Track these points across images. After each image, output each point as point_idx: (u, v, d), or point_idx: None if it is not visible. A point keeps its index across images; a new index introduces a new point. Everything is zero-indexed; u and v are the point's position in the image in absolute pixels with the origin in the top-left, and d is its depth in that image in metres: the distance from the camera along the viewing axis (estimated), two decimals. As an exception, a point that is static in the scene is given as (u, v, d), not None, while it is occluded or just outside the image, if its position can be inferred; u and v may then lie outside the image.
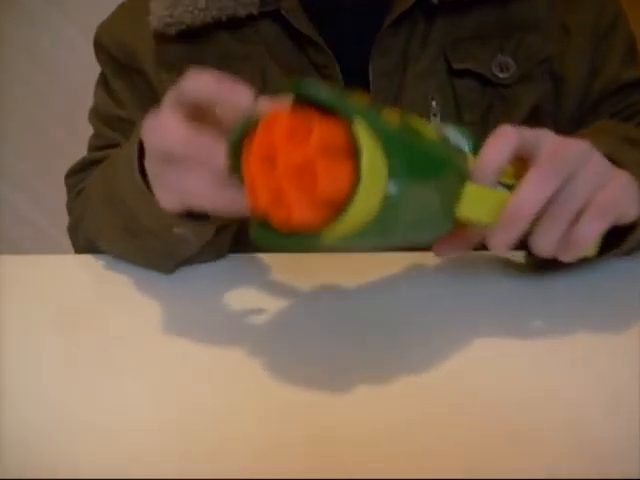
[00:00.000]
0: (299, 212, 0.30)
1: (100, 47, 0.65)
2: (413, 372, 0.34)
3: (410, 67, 0.58)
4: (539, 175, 0.36)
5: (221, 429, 0.30)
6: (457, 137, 0.40)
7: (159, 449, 0.28)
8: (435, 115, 0.58)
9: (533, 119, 0.58)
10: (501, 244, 0.36)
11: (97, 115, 0.67)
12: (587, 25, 0.60)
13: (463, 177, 0.36)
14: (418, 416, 0.31)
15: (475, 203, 0.36)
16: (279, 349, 0.36)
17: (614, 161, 0.40)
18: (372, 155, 0.30)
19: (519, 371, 0.34)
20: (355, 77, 0.58)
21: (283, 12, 0.57)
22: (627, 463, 0.27)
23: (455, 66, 0.58)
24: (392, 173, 0.30)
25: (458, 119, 0.58)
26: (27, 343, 0.38)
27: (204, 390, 0.33)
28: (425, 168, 0.33)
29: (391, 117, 0.33)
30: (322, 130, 0.30)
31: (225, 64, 0.59)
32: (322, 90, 0.32)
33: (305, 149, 0.29)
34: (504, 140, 0.37)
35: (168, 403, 0.32)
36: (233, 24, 0.58)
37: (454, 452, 0.28)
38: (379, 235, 0.33)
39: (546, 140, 0.37)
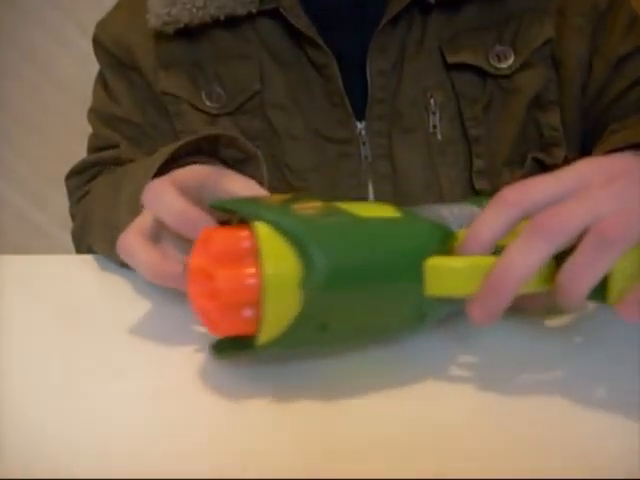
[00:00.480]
0: (214, 320, 0.31)
1: (98, 45, 0.65)
2: (415, 375, 0.34)
3: (407, 65, 0.58)
4: (536, 228, 0.29)
5: (221, 429, 0.30)
6: (471, 213, 0.38)
7: (160, 449, 0.28)
8: (434, 113, 0.58)
9: (536, 108, 0.57)
10: (482, 317, 0.30)
11: (95, 114, 0.67)
12: (586, 5, 0.58)
13: (429, 255, 0.32)
14: (418, 416, 0.31)
15: (441, 278, 0.31)
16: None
17: None
18: (272, 257, 0.29)
19: (521, 372, 0.34)
20: (354, 76, 0.58)
21: (282, 11, 0.57)
22: (627, 463, 0.27)
23: (449, 60, 0.57)
24: (309, 267, 0.29)
25: (459, 115, 0.57)
26: (27, 343, 0.38)
27: (204, 391, 0.33)
28: (357, 253, 0.31)
29: (310, 209, 0.32)
30: (221, 239, 0.31)
31: (223, 63, 0.60)
32: (229, 201, 0.33)
33: (204, 259, 0.31)
34: (501, 211, 0.31)
35: (169, 403, 0.32)
36: (231, 23, 0.58)
37: (454, 452, 0.28)
38: (326, 332, 0.31)
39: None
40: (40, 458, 0.28)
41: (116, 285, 0.47)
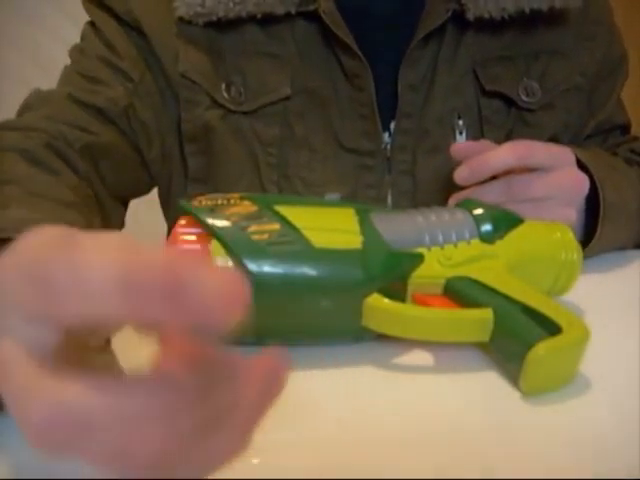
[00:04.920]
0: None
1: (104, 7, 0.57)
2: (415, 373, 0.34)
3: (438, 81, 0.57)
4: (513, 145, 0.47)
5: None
6: (459, 222, 0.38)
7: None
8: (461, 133, 0.57)
9: None
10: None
11: (82, 51, 0.58)
12: (596, 62, 0.61)
13: (374, 278, 0.34)
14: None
15: (377, 317, 0.34)
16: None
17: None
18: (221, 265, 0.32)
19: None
20: (384, 88, 0.56)
21: (322, 14, 0.54)
22: (627, 463, 0.27)
23: (487, 87, 0.57)
24: (252, 279, 0.32)
25: (481, 138, 0.57)
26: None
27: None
28: (295, 289, 0.33)
29: (266, 233, 0.34)
30: (179, 244, 0.34)
31: (247, 58, 0.55)
32: (195, 208, 0.35)
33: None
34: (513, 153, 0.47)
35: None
36: (266, 20, 0.55)
37: (451, 450, 0.28)
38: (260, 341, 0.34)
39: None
40: (40, 458, 0.28)
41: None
